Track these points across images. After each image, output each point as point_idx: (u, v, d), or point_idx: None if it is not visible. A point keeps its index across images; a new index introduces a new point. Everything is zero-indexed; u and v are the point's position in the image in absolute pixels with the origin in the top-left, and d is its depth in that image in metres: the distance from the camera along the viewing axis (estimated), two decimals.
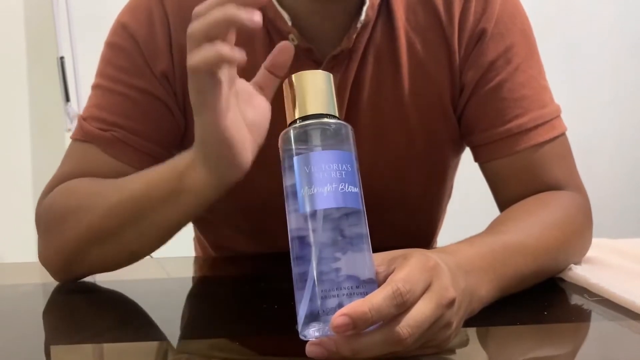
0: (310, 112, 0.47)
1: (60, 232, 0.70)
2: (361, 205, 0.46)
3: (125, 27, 0.77)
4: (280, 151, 0.48)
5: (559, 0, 2.34)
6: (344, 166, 0.45)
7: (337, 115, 0.48)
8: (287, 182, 0.46)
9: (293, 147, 0.46)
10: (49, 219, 0.72)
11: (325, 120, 0.47)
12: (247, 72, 0.77)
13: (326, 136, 0.46)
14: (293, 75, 0.49)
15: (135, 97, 0.75)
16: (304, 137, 0.46)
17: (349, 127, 0.48)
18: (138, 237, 0.67)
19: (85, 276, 0.73)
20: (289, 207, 0.46)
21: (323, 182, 0.44)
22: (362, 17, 0.74)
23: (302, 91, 0.48)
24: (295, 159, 0.46)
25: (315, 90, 0.48)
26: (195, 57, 0.52)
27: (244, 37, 0.77)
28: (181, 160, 0.62)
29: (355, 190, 0.45)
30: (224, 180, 0.60)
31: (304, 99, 0.48)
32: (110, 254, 0.68)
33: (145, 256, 0.71)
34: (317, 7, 0.74)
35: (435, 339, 0.46)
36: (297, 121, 0.47)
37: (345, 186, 0.45)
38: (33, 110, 2.09)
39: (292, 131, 0.47)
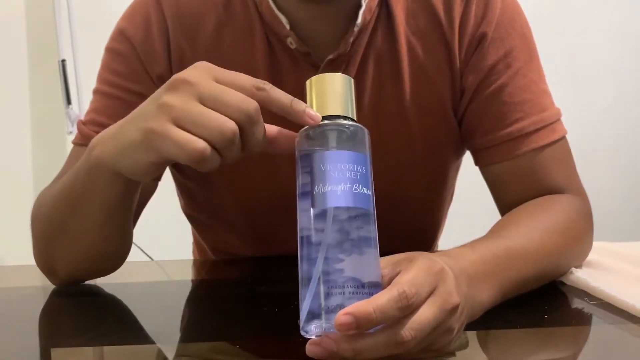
0: (328, 113, 0.48)
1: (35, 233, 0.71)
2: (372, 208, 0.46)
3: (122, 32, 0.78)
4: (296, 150, 0.48)
5: (559, 3, 2.34)
6: (359, 167, 0.46)
7: (354, 118, 0.49)
8: (300, 180, 0.47)
9: (309, 145, 0.47)
10: (31, 223, 0.73)
11: (342, 121, 0.48)
12: (244, 68, 0.77)
13: (343, 137, 0.47)
14: (313, 77, 0.50)
15: (132, 101, 0.76)
16: (320, 137, 0.47)
17: (365, 130, 0.48)
18: (82, 227, 0.65)
19: (73, 278, 0.73)
20: (300, 205, 0.46)
21: (337, 181, 0.45)
22: (359, 20, 0.74)
23: (321, 93, 0.49)
24: (311, 156, 0.46)
25: (334, 93, 0.49)
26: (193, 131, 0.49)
27: (243, 39, 0.77)
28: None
29: (368, 192, 0.46)
30: (125, 154, 0.55)
31: (322, 101, 0.49)
32: (69, 247, 0.68)
33: (113, 256, 0.70)
34: (313, 10, 0.75)
35: (436, 344, 0.46)
36: None
37: (358, 187, 0.45)
38: (34, 113, 2.09)
39: (309, 130, 0.47)
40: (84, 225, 0.65)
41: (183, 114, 0.49)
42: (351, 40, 0.75)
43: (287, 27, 0.74)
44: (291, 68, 0.76)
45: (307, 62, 0.76)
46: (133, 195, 0.65)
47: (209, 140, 0.48)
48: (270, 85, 0.51)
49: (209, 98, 0.49)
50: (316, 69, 0.75)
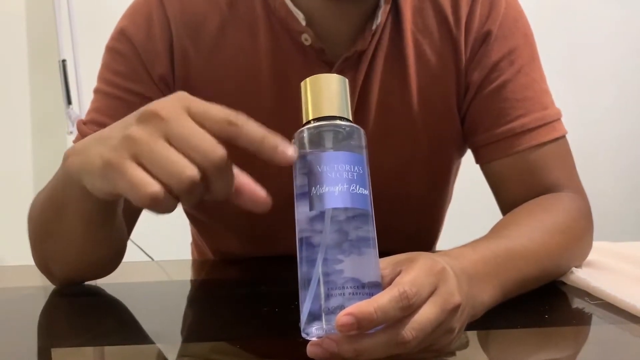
0: (323, 114, 0.48)
1: (29, 234, 0.71)
2: (370, 208, 0.46)
3: (123, 32, 0.78)
4: None
5: (560, 3, 2.34)
6: (356, 168, 0.46)
7: (350, 118, 0.49)
8: (297, 181, 0.47)
9: (306, 147, 0.47)
10: (27, 223, 0.72)
11: (338, 122, 0.47)
12: (248, 68, 0.77)
13: (339, 138, 0.47)
14: (308, 79, 0.49)
15: (132, 102, 0.76)
16: (317, 138, 0.47)
17: (362, 130, 0.48)
18: (66, 234, 0.65)
19: (70, 280, 0.72)
20: (298, 207, 0.46)
21: (334, 182, 0.45)
22: (379, 20, 0.75)
23: (317, 94, 0.49)
24: (308, 157, 0.46)
25: (330, 93, 0.48)
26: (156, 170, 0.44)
27: (247, 38, 0.77)
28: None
29: (365, 192, 0.46)
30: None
31: (318, 101, 0.48)
32: (59, 252, 0.68)
33: (104, 261, 0.70)
34: (334, 8, 0.75)
35: (437, 344, 0.46)
36: (311, 122, 0.48)
37: (356, 187, 0.45)
38: (34, 113, 2.09)
39: (305, 131, 0.47)
40: (68, 234, 0.65)
41: (144, 150, 0.45)
42: (370, 38, 0.75)
43: (304, 23, 0.74)
44: (301, 65, 0.76)
45: (320, 59, 0.76)
46: (111, 210, 0.62)
47: (165, 183, 0.44)
48: (245, 119, 0.46)
49: (177, 137, 0.45)
50: (329, 67, 0.76)
